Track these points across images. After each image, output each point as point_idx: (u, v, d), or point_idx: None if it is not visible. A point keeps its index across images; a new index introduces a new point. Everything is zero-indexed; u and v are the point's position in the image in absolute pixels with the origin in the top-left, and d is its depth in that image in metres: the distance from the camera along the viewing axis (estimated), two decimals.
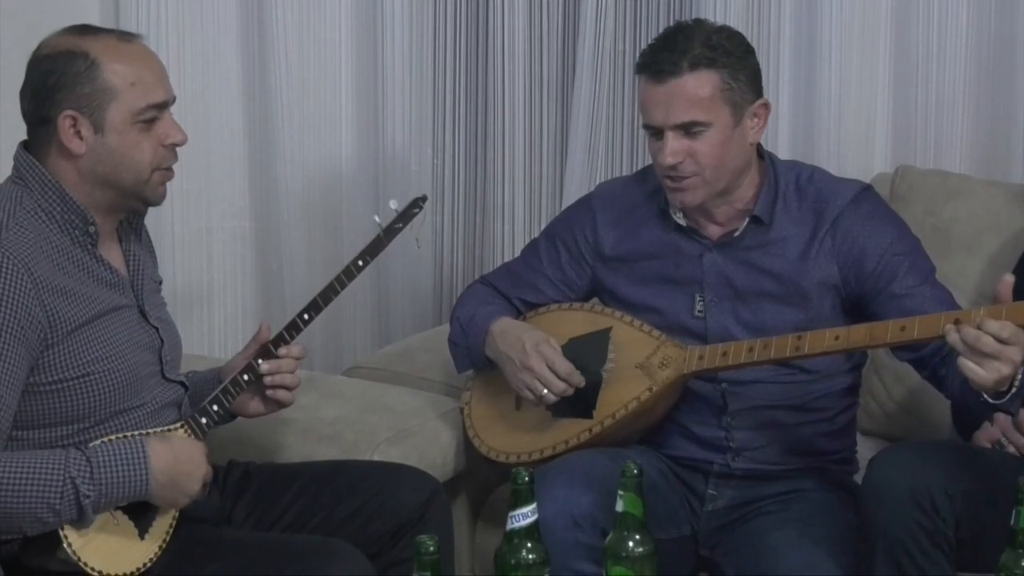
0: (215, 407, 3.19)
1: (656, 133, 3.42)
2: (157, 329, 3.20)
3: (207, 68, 4.34)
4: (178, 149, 3.14)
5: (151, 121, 3.07)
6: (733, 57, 3.41)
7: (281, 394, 3.35)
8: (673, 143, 3.39)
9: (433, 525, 3.22)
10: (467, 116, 4.56)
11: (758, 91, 3.47)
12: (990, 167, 4.18)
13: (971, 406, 3.30)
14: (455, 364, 3.75)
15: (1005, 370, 3.02)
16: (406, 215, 3.49)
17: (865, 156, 4.26)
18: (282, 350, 3.31)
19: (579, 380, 3.51)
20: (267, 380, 3.31)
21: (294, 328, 3.31)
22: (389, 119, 4.52)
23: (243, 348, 3.40)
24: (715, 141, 3.40)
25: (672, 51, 3.38)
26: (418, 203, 3.52)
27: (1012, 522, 2.80)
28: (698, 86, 3.37)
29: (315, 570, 3.04)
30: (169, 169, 3.14)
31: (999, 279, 3.37)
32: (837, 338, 3.31)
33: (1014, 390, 3.10)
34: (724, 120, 3.40)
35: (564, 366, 3.50)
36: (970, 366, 3.01)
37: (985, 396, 3.11)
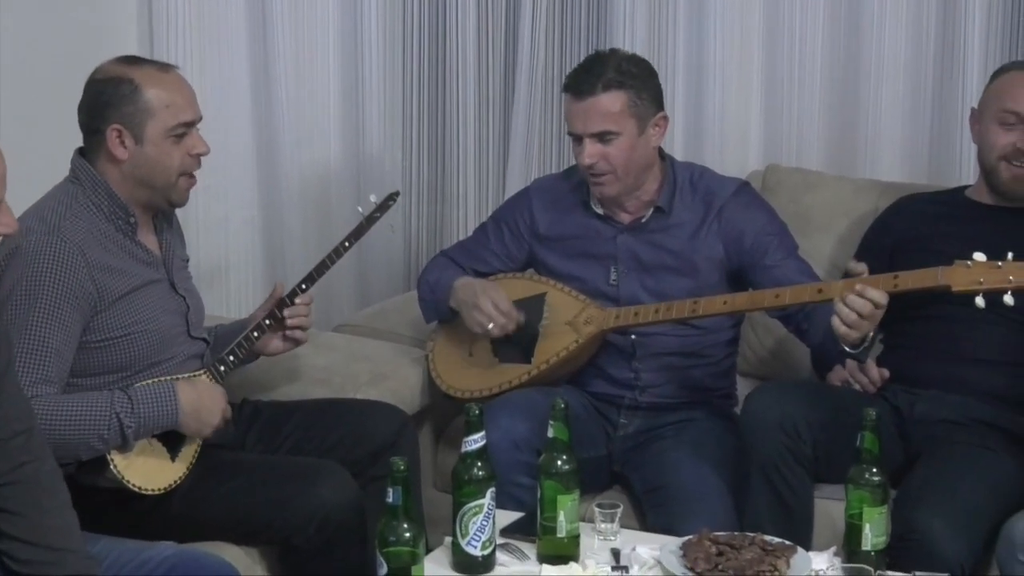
0: (231, 357, 3.17)
1: (577, 139, 3.43)
2: (184, 297, 3.18)
3: (224, 90, 4.30)
4: (202, 157, 3.12)
5: (181, 136, 3.04)
6: (639, 80, 3.41)
7: (298, 334, 3.35)
8: (590, 148, 3.39)
9: (403, 449, 3.21)
10: (429, 127, 4.52)
11: (659, 106, 3.47)
12: (840, 165, 4.17)
13: (830, 354, 3.31)
14: (424, 316, 3.74)
15: (868, 329, 3.06)
16: (383, 207, 3.52)
17: (742, 156, 4.24)
18: (297, 299, 3.31)
19: (518, 316, 3.50)
20: (288, 322, 3.31)
21: (294, 295, 3.31)
22: (367, 129, 4.49)
23: (262, 303, 3.40)
24: (624, 146, 3.40)
25: (590, 74, 3.39)
26: (393, 197, 3.56)
27: (857, 443, 2.83)
28: (610, 103, 3.38)
29: (311, 485, 3.04)
30: (193, 176, 3.12)
31: (848, 257, 3.43)
32: (725, 303, 3.34)
33: (867, 343, 3.13)
34: (631, 130, 3.40)
35: (505, 304, 3.50)
36: (844, 329, 3.06)
37: (845, 347, 3.13)
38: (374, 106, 4.48)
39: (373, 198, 3.52)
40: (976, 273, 3.01)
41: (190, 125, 3.07)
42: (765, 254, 3.46)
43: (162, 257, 3.14)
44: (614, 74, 3.38)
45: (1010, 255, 2.98)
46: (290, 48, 4.37)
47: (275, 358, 3.47)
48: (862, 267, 3.15)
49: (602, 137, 3.39)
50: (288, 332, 3.34)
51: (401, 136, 4.54)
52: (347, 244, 3.40)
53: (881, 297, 3.05)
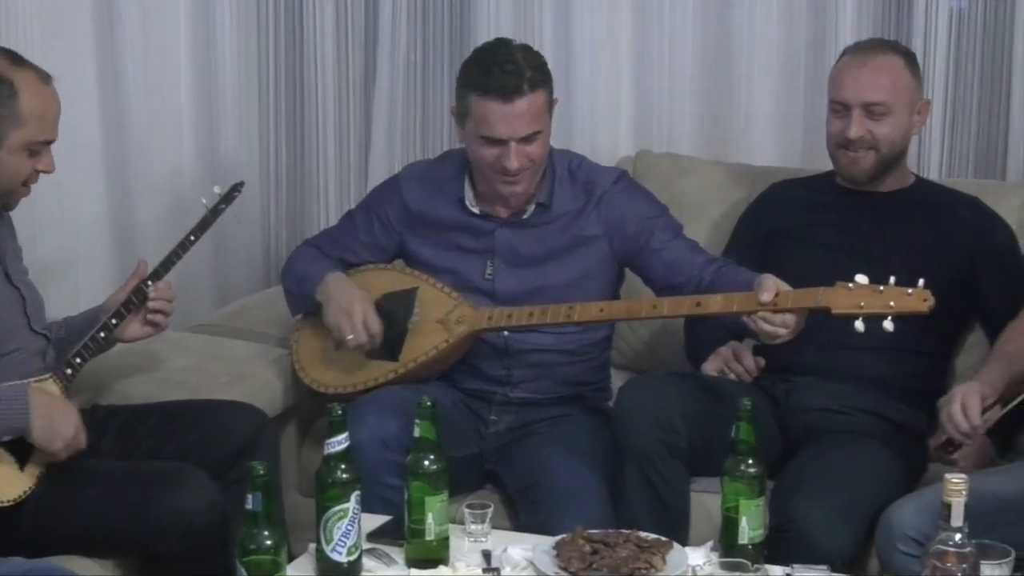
0: (78, 359, 3.13)
1: (498, 142, 3.39)
2: (19, 289, 3.15)
3: (69, 81, 4.09)
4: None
5: (36, 152, 3.04)
6: (548, 74, 3.43)
7: (159, 318, 3.32)
8: (517, 150, 3.38)
9: (263, 452, 3.18)
10: (287, 114, 4.51)
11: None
12: (712, 150, 4.20)
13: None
14: (289, 308, 3.71)
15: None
16: (228, 198, 3.49)
17: (612, 142, 4.26)
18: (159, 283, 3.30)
19: (379, 342, 3.48)
20: (150, 304, 3.29)
21: (138, 293, 3.28)
22: (223, 120, 4.47)
23: (121, 285, 3.36)
24: (543, 143, 3.43)
25: (514, 75, 3.35)
26: (237, 188, 3.53)
27: (732, 434, 2.86)
28: (537, 102, 3.38)
29: (169, 489, 3.02)
30: (29, 187, 3.13)
31: (723, 244, 3.52)
32: (602, 310, 3.36)
33: None
34: (548, 125, 3.44)
35: (375, 325, 3.47)
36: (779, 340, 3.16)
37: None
38: (228, 94, 4.45)
39: (217, 189, 3.50)
40: (857, 296, 3.04)
41: (49, 143, 3.08)
42: (651, 237, 3.48)
43: None
44: (534, 72, 3.37)
45: (892, 279, 3.01)
46: (138, 34, 4.30)
47: (129, 361, 3.43)
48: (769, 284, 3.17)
49: (529, 138, 3.39)
50: (149, 316, 3.31)
51: (258, 124, 4.52)
52: (193, 238, 3.37)
53: (793, 320, 3.11)
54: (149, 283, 3.29)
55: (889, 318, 3.00)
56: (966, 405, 3.09)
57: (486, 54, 3.45)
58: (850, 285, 3.05)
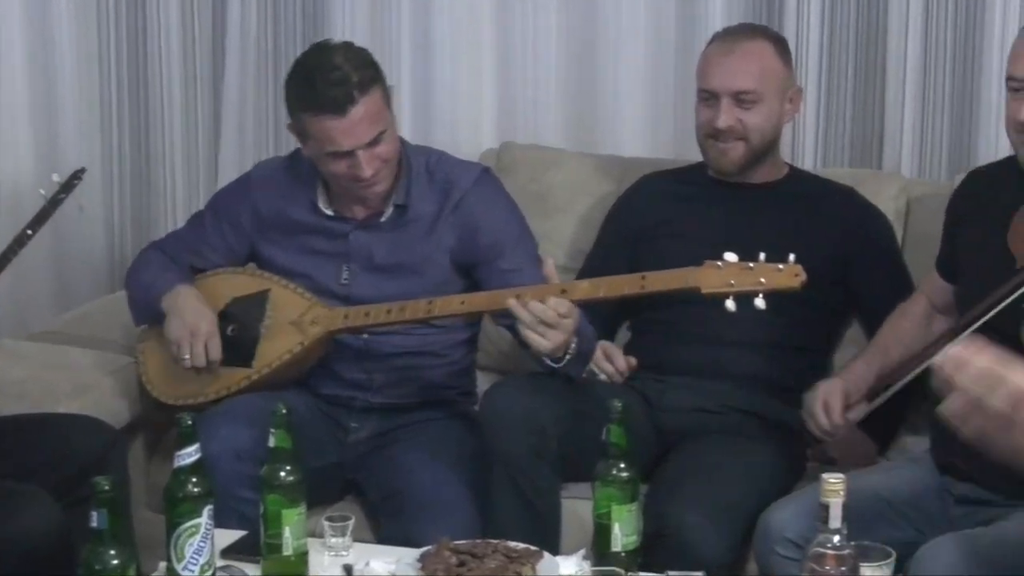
0: None
1: (348, 154, 3.33)
2: None
3: None
4: None
5: None
6: (378, 68, 3.37)
7: None
8: (366, 155, 3.33)
9: (111, 467, 3.11)
10: (131, 112, 4.45)
11: None
12: (580, 141, 4.21)
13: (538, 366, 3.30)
14: (134, 317, 3.66)
15: (561, 338, 3.07)
16: (68, 186, 3.43)
17: (475, 135, 4.26)
18: None
19: (215, 370, 3.44)
20: None
21: None
22: (62, 118, 4.41)
23: None
24: (391, 137, 3.38)
25: (341, 84, 3.27)
26: (78, 175, 3.49)
27: (603, 437, 2.84)
28: (372, 104, 3.31)
29: (9, 514, 2.95)
30: None
31: (591, 239, 3.57)
32: (463, 303, 3.32)
33: (569, 356, 3.16)
34: (391, 118, 3.38)
35: (215, 352, 3.43)
36: (532, 336, 3.07)
37: (547, 360, 3.15)
38: (67, 90, 4.39)
39: (56, 177, 3.44)
40: (727, 275, 3.02)
41: None
42: (500, 256, 3.45)
43: None
44: (360, 72, 3.30)
45: (762, 256, 3.00)
46: None
47: None
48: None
49: (375, 141, 3.34)
50: None
51: (100, 122, 4.46)
52: (30, 232, 3.32)
53: (559, 305, 3.07)
54: None
55: (761, 295, 3.00)
56: (828, 404, 3.15)
57: (306, 68, 3.38)
58: (719, 263, 3.04)
